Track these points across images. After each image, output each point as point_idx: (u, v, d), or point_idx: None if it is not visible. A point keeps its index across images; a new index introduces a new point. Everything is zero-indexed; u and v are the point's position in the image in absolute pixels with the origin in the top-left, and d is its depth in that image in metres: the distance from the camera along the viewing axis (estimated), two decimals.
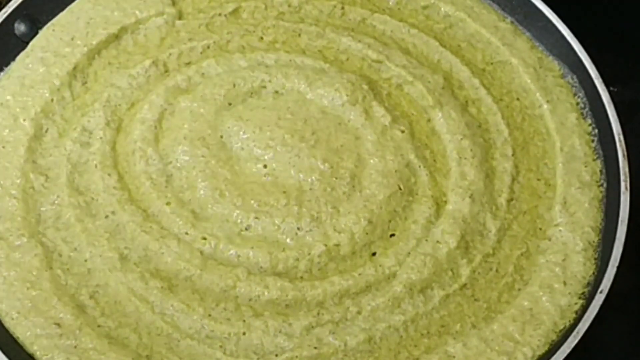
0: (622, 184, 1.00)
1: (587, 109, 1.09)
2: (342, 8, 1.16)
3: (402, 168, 1.01)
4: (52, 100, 1.05)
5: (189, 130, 1.02)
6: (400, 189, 1.00)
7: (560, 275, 0.97)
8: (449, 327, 0.95)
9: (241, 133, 1.02)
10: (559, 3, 1.14)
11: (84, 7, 1.12)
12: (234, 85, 1.06)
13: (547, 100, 1.10)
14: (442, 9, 1.17)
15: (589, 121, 1.09)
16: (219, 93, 1.05)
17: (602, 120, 1.05)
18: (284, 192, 0.98)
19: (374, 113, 1.05)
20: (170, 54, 1.09)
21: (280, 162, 1.00)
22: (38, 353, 0.90)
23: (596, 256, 0.99)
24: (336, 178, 0.99)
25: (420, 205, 1.00)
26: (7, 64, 1.09)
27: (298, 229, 0.96)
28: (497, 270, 0.99)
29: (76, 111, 1.05)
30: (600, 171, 1.05)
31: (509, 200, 1.03)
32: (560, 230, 1.00)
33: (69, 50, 1.08)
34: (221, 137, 1.02)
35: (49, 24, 1.11)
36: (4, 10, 1.08)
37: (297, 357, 0.90)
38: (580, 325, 0.91)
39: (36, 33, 1.11)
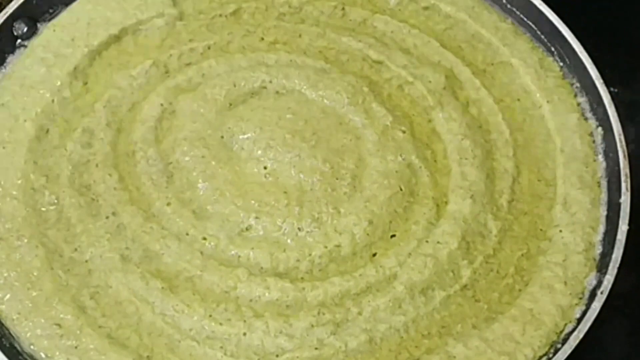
0: (623, 184, 1.00)
1: (587, 110, 1.09)
2: (343, 9, 1.16)
3: (403, 168, 1.01)
4: (52, 100, 1.04)
5: (190, 131, 1.02)
6: (401, 189, 1.00)
7: (560, 276, 0.97)
8: (449, 327, 0.95)
9: (242, 133, 1.02)
10: (559, 3, 1.14)
11: (85, 7, 1.12)
12: (235, 86, 1.06)
13: (548, 100, 1.10)
14: (443, 9, 1.17)
15: (590, 122, 1.09)
16: (220, 93, 1.05)
17: (603, 121, 1.06)
18: (285, 192, 0.98)
19: (374, 113, 1.05)
20: (171, 55, 1.09)
21: (281, 163, 1.00)
22: (38, 354, 0.90)
23: (597, 257, 0.99)
24: (337, 178, 0.99)
25: (421, 206, 1.00)
26: (7, 65, 1.09)
27: (299, 229, 0.96)
28: (497, 271, 0.99)
29: (77, 112, 1.05)
30: (601, 172, 1.05)
31: (510, 201, 1.02)
32: (560, 231, 1.00)
33: (69, 51, 1.08)
34: (222, 137, 1.02)
35: (49, 24, 1.11)
36: (4, 11, 1.08)
37: (297, 357, 0.90)
38: (580, 325, 0.91)
39: (36, 33, 1.11)
